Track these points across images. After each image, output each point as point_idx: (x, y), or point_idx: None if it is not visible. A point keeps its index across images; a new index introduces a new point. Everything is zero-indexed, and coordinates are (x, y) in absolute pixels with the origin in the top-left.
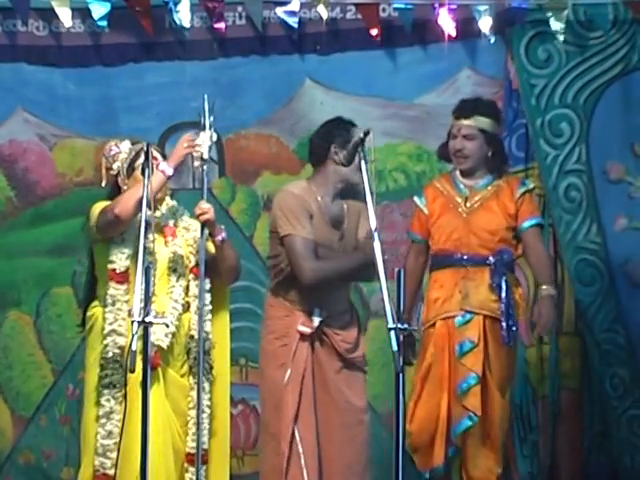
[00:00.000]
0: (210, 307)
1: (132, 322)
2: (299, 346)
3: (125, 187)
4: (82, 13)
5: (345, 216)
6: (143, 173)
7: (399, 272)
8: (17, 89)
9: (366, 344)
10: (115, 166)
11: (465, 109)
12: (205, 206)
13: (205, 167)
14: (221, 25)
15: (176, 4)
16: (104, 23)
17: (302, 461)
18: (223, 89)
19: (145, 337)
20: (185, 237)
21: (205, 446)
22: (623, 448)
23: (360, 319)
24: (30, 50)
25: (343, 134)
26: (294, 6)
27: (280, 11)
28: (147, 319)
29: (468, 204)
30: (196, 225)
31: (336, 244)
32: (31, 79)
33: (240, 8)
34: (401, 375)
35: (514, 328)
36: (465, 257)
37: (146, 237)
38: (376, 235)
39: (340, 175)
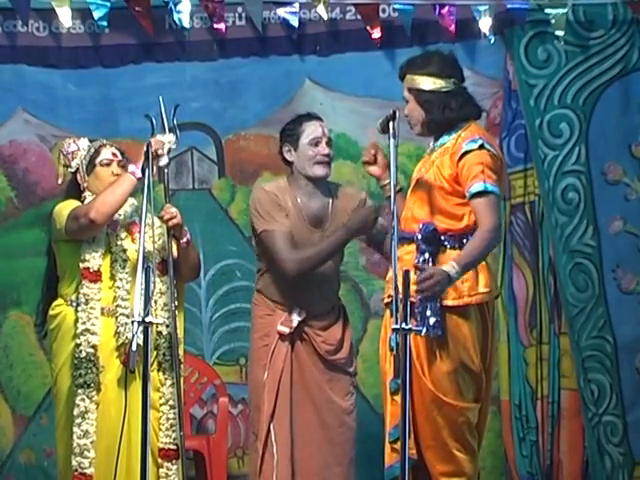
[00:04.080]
0: (176, 303)
1: (132, 322)
2: (278, 345)
3: (85, 184)
4: (82, 13)
5: (329, 215)
6: (143, 173)
7: (406, 273)
8: (17, 90)
9: (364, 343)
10: (74, 164)
11: (400, 69)
12: (173, 210)
13: (167, 170)
14: (221, 26)
15: (176, 4)
16: (104, 23)
17: (274, 461)
18: (223, 90)
19: (145, 337)
20: (149, 234)
21: (177, 441)
22: (595, 452)
23: (348, 320)
24: (30, 51)
25: (293, 131)
26: (294, 6)
27: (280, 11)
28: (147, 319)
29: (423, 169)
30: (158, 222)
31: (317, 243)
32: (31, 80)
33: (240, 9)
34: (407, 375)
35: (430, 315)
36: (402, 234)
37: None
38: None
39: (300, 173)
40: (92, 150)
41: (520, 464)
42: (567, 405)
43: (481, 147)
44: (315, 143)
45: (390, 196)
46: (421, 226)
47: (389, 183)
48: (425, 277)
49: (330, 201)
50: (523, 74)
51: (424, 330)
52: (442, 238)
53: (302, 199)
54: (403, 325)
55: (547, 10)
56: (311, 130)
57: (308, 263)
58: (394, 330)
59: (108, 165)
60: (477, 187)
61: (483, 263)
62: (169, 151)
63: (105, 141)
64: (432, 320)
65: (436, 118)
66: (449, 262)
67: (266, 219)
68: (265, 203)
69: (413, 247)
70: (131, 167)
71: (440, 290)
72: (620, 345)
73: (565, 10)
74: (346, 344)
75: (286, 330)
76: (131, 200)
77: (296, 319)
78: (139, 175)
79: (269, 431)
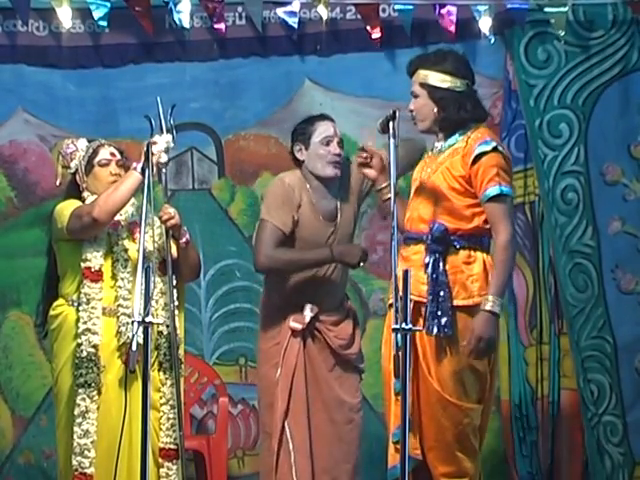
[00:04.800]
0: (177, 303)
1: (132, 322)
2: (290, 342)
3: (84, 185)
4: (82, 13)
5: (338, 212)
6: (143, 173)
7: (405, 272)
8: (17, 90)
9: (363, 343)
10: (73, 164)
11: (410, 64)
12: (171, 210)
13: (165, 170)
14: (221, 25)
15: (176, 4)
16: (104, 23)
17: (292, 458)
18: (223, 90)
19: (145, 337)
20: (149, 233)
21: (177, 441)
22: (594, 452)
23: (356, 316)
24: (30, 51)
25: (304, 130)
26: (294, 6)
27: (280, 11)
28: (147, 319)
29: (429, 169)
30: (158, 221)
31: (332, 237)
32: (31, 80)
33: (240, 8)
34: (407, 375)
35: (441, 315)
36: (409, 234)
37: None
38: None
39: (311, 172)
40: (90, 150)
41: (520, 464)
42: (567, 405)
43: (494, 149)
44: (327, 142)
45: (389, 198)
46: (432, 226)
47: (386, 187)
48: (471, 329)
49: (338, 201)
50: (523, 74)
51: (435, 330)
52: (452, 238)
53: (314, 197)
54: (403, 325)
55: (547, 10)
56: (323, 129)
57: (280, 265)
58: (394, 330)
59: (106, 165)
60: (493, 190)
61: (493, 262)
62: (167, 150)
63: (103, 141)
64: (443, 320)
65: (450, 117)
66: (486, 298)
67: (270, 210)
68: (278, 195)
69: (420, 247)
70: (134, 164)
71: (494, 332)
72: (620, 345)
73: (565, 10)
74: (357, 340)
75: (299, 326)
76: (132, 200)
77: (308, 315)
78: (139, 171)
79: (283, 428)
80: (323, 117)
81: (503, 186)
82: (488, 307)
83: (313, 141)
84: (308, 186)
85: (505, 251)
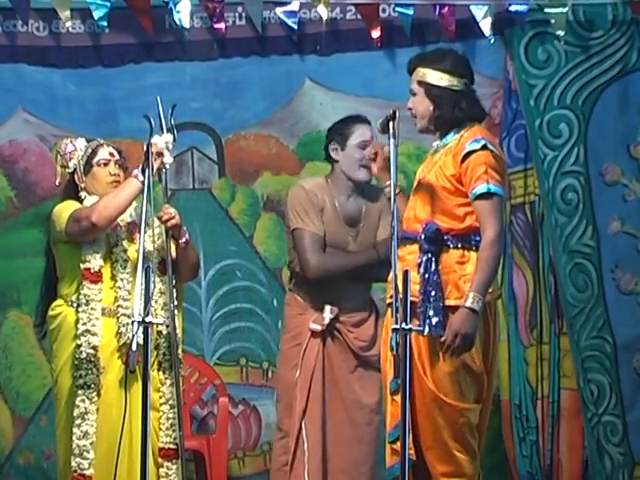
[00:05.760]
0: (176, 303)
1: (132, 322)
2: (310, 343)
3: (83, 185)
4: (82, 13)
5: (362, 215)
6: (143, 173)
7: (405, 272)
8: (17, 90)
9: None
10: (71, 164)
11: (410, 63)
12: (171, 211)
13: (165, 170)
14: (221, 25)
15: (176, 4)
16: (104, 23)
17: (305, 457)
18: (223, 90)
19: (145, 337)
20: (148, 233)
21: (177, 440)
22: (594, 452)
23: (379, 316)
24: (30, 50)
25: (342, 130)
26: (294, 6)
27: (280, 11)
28: (147, 319)
29: (425, 169)
30: (157, 221)
31: (351, 243)
32: (31, 80)
33: (240, 8)
34: (407, 375)
35: (433, 315)
36: (405, 234)
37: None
38: (395, 225)
39: (344, 173)
40: (89, 150)
41: (520, 464)
42: (567, 405)
43: (484, 147)
44: (363, 146)
45: (390, 197)
46: (424, 226)
47: (389, 184)
48: (449, 326)
49: (364, 202)
50: (523, 74)
51: (426, 330)
52: (445, 238)
53: (340, 199)
54: (403, 325)
55: (547, 10)
56: (360, 132)
57: (330, 270)
58: (394, 330)
59: (105, 165)
60: (480, 189)
61: (478, 260)
62: (168, 151)
63: (102, 141)
64: (434, 320)
65: (445, 115)
66: (468, 294)
67: (301, 217)
68: (303, 202)
69: (415, 247)
70: (135, 171)
71: (472, 329)
72: (619, 345)
73: (565, 10)
74: (378, 341)
75: (318, 327)
76: None
77: (328, 316)
78: (142, 178)
79: (301, 428)
80: (361, 119)
81: (491, 184)
82: (468, 304)
83: (350, 143)
84: (335, 188)
85: (490, 249)
